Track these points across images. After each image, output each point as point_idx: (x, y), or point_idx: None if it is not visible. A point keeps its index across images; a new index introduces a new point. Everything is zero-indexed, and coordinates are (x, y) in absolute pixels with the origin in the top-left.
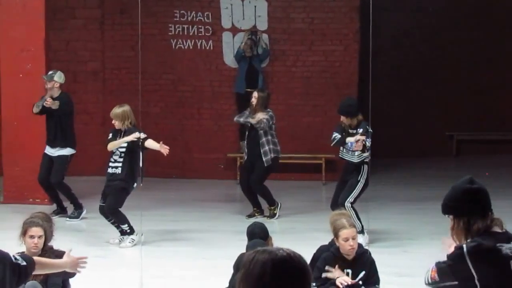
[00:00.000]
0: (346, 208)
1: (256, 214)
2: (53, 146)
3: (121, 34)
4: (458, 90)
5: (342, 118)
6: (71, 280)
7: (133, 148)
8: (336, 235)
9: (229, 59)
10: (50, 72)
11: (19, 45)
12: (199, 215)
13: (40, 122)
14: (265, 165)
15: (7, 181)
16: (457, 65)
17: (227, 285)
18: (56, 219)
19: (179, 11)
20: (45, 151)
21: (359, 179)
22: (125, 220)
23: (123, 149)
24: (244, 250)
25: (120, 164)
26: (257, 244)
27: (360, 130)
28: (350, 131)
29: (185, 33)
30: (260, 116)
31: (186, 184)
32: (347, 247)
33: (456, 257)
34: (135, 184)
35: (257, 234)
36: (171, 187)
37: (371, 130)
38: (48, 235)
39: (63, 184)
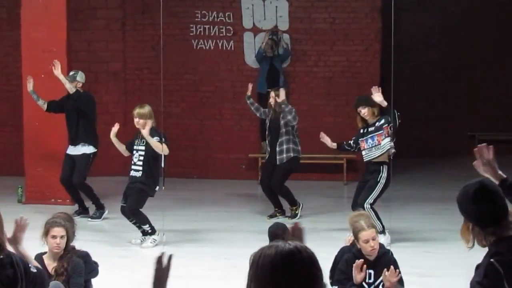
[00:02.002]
0: (366, 209)
1: (277, 215)
2: (74, 143)
3: (143, 35)
4: (480, 90)
5: (363, 111)
6: (93, 280)
7: (152, 152)
8: (356, 237)
9: (250, 59)
10: (71, 73)
11: (41, 46)
12: (221, 215)
13: (62, 123)
14: (278, 163)
15: (29, 181)
16: (478, 65)
17: None
18: (78, 220)
19: (201, 12)
20: (67, 152)
21: (378, 180)
22: (146, 221)
23: (142, 153)
24: None
25: (140, 168)
26: None
27: (382, 121)
28: (369, 129)
29: (207, 34)
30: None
31: (208, 184)
32: (368, 249)
33: (491, 272)
34: (157, 188)
35: (279, 235)
36: (192, 187)
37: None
38: (70, 235)
39: (85, 184)
